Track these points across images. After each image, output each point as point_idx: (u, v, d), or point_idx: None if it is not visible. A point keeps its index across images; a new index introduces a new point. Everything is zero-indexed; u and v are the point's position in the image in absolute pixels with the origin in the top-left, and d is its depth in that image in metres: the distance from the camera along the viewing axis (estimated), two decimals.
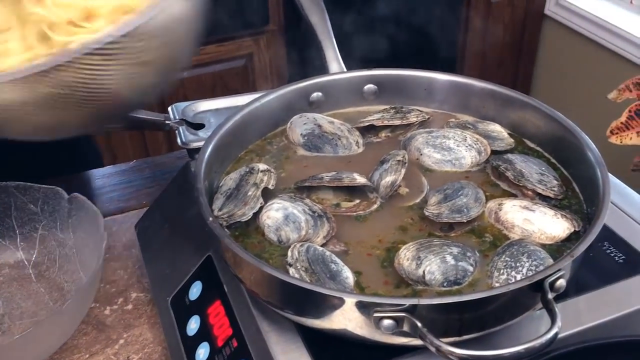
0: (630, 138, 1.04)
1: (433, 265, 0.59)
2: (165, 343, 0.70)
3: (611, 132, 1.04)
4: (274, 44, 2.17)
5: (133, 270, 0.82)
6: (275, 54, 2.18)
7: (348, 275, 0.59)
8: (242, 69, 2.16)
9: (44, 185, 0.80)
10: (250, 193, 0.67)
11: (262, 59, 2.18)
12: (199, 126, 0.87)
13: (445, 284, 0.59)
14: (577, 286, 0.63)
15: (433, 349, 0.50)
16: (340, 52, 0.87)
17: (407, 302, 0.51)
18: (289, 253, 0.60)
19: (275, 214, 0.64)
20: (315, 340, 0.59)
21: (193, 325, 0.66)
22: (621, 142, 1.04)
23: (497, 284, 0.59)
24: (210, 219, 0.59)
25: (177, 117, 0.86)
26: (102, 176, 1.04)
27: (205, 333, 0.65)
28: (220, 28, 1.98)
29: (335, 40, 0.88)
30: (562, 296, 0.61)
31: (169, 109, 0.88)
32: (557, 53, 2.11)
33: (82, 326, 0.75)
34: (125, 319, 0.75)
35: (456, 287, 0.59)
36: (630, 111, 1.03)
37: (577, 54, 2.04)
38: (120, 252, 0.85)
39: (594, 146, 0.66)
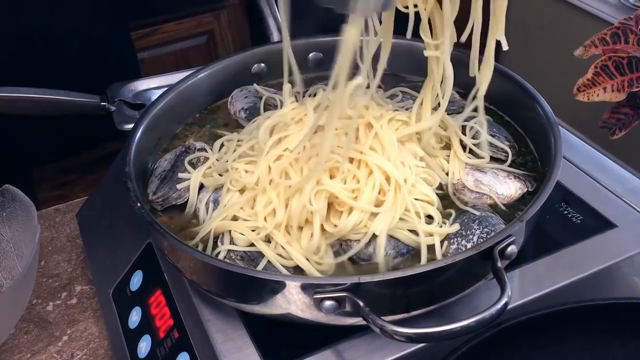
0: (597, 95, 1.01)
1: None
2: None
3: (578, 89, 1.01)
4: (235, 19, 2.10)
5: (77, 262, 0.77)
6: (238, 30, 2.11)
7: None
8: (204, 46, 2.09)
9: None
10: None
11: (224, 35, 2.11)
12: (140, 106, 0.83)
13: (398, 257, 0.56)
14: (535, 250, 0.60)
15: (377, 330, 0.47)
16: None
17: (348, 280, 0.48)
18: (219, 244, 0.56)
19: (206, 196, 0.60)
20: (259, 325, 0.56)
21: (135, 317, 0.63)
22: (588, 100, 1.00)
23: (448, 254, 0.55)
24: (139, 204, 0.55)
25: (114, 99, 0.82)
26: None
27: (146, 325, 0.61)
28: (177, 4, 1.91)
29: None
30: (518, 262, 0.58)
31: (107, 90, 0.84)
32: (525, 12, 2.07)
33: (23, 324, 0.70)
34: (69, 314, 0.71)
35: (408, 255, 0.56)
36: (595, 67, 1.00)
37: (546, 12, 2.00)
38: (63, 244, 0.80)
39: (546, 103, 0.63)
